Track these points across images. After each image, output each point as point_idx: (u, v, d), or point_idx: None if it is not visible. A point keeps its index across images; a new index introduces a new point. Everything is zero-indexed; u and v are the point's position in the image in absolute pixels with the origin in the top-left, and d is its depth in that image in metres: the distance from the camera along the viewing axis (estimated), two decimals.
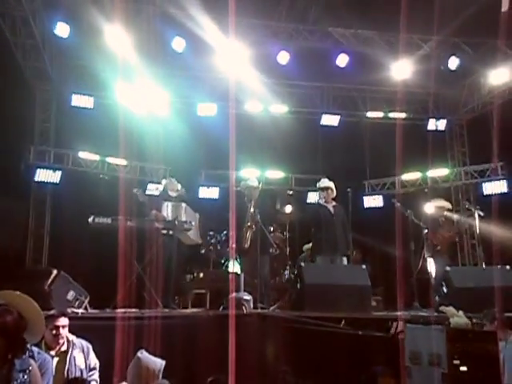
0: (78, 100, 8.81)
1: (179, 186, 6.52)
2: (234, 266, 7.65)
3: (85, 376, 3.52)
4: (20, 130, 8.48)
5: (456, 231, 6.71)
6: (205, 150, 9.82)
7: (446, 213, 6.80)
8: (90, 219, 5.74)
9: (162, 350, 3.41)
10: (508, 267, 5.64)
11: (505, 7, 6.30)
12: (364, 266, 5.53)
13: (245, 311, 5.26)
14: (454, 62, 8.11)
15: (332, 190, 6.50)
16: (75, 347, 3.69)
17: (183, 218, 6.21)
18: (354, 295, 5.00)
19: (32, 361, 2.53)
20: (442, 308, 4.60)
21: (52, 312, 3.64)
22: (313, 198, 9.78)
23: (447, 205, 7.00)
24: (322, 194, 6.56)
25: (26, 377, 2.37)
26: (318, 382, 3.11)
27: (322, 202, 6.52)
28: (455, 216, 7.09)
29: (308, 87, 9.84)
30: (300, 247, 8.63)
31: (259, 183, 6.75)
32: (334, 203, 6.47)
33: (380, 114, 10.06)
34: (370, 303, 5.29)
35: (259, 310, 5.65)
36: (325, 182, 6.66)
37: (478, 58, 8.20)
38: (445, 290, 5.41)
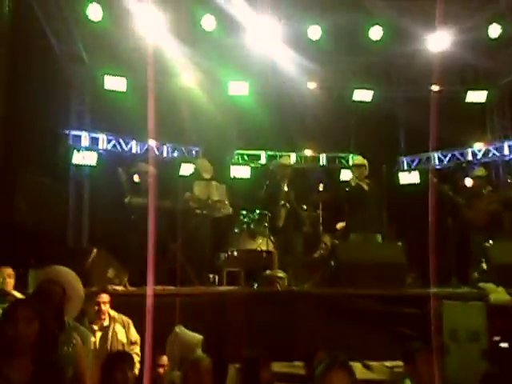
0: (111, 82, 8.90)
1: (210, 167, 6.55)
2: (269, 245, 7.70)
3: (126, 350, 3.65)
4: (57, 113, 8.69)
5: (496, 204, 6.50)
6: (237, 129, 9.82)
7: (485, 184, 6.63)
8: (127, 199, 5.88)
9: (199, 326, 3.49)
10: None
11: None
12: (399, 243, 5.47)
13: (279, 288, 5.32)
14: (495, 30, 7.71)
15: (365, 167, 6.42)
16: (116, 322, 3.83)
17: (215, 197, 6.26)
18: (389, 272, 4.95)
19: (76, 334, 2.64)
20: (482, 284, 4.51)
21: (94, 289, 3.78)
22: (346, 175, 9.65)
23: (484, 174, 6.82)
24: (355, 171, 6.49)
25: (70, 349, 2.48)
26: (353, 357, 3.11)
27: (355, 179, 6.44)
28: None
29: (340, 62, 9.59)
30: (334, 225, 8.57)
31: (291, 162, 6.73)
32: (367, 181, 6.38)
33: (415, 88, 9.73)
34: (406, 280, 5.23)
35: (293, 288, 5.70)
36: (358, 160, 6.58)
37: None
38: (484, 266, 5.28)
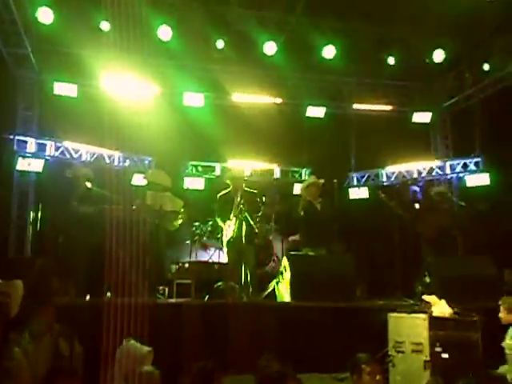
0: (61, 88, 8.64)
1: (163, 176, 6.47)
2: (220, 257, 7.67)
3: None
4: (2, 118, 8.32)
5: (447, 220, 6.80)
6: (191, 140, 9.77)
7: (444, 201, 6.92)
8: (74, 207, 5.69)
9: (149, 338, 3.41)
10: (486, 257, 5.76)
11: None
12: (348, 256, 5.61)
13: (231, 300, 5.30)
14: (439, 55, 8.18)
15: (318, 187, 6.57)
16: (59, 335, 3.67)
17: (168, 208, 6.18)
18: (339, 284, 5.05)
19: (16, 348, 2.51)
20: (425, 297, 4.68)
21: (37, 300, 3.61)
22: (298, 189, 9.80)
23: (444, 191, 7.15)
24: (309, 190, 6.66)
25: (10, 364, 2.35)
26: (302, 369, 3.14)
27: (309, 198, 6.59)
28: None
29: (294, 78, 9.82)
30: (286, 237, 8.67)
31: (245, 174, 6.77)
32: (319, 199, 6.57)
33: (366, 106, 10.11)
34: (355, 292, 5.36)
35: (245, 300, 5.69)
36: (311, 179, 6.78)
37: (463, 51, 8.30)
38: (427, 279, 5.50)
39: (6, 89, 8.42)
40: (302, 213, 6.44)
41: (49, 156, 8.72)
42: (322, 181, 6.67)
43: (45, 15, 7.37)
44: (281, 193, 9.59)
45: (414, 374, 4.15)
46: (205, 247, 8.25)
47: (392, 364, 4.23)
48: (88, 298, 5.10)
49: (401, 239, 6.63)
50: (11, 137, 8.42)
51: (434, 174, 10.05)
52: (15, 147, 8.43)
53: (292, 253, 5.92)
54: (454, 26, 7.80)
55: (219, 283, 6.29)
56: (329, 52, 8.27)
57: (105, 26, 7.60)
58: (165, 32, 7.83)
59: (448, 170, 9.92)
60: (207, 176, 9.85)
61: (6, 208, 8.33)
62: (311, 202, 6.53)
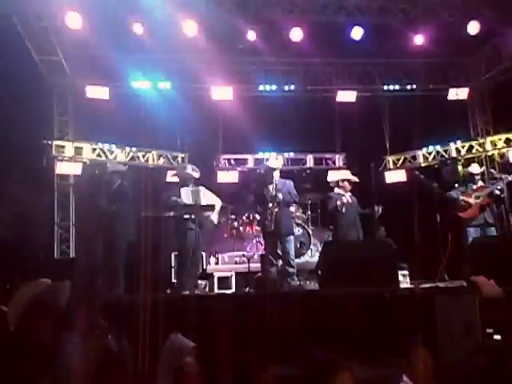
0: (93, 91, 8.82)
1: (191, 170, 6.48)
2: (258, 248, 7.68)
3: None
4: (40, 124, 8.59)
5: (485, 198, 6.64)
6: (222, 134, 9.81)
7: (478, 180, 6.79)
8: (114, 207, 5.81)
9: (193, 332, 3.44)
10: None
11: None
12: (389, 240, 5.49)
13: (271, 291, 5.29)
14: (473, 27, 7.79)
15: (349, 181, 6.77)
16: (107, 331, 3.76)
17: (203, 202, 6.21)
18: (380, 269, 4.95)
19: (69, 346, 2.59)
20: (473, 277, 4.52)
21: (84, 299, 3.71)
22: (333, 176, 9.68)
23: (479, 171, 7.00)
24: (340, 184, 6.80)
25: (67, 361, 2.42)
26: (350, 356, 3.09)
27: (340, 191, 6.77)
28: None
29: (322, 64, 9.66)
30: (322, 226, 8.60)
31: (279, 164, 6.76)
32: (349, 193, 6.76)
33: (397, 87, 9.83)
34: (397, 276, 5.24)
35: (285, 289, 5.68)
36: (343, 175, 6.83)
37: (498, 21, 7.89)
38: (474, 259, 5.31)
39: (42, 96, 8.67)
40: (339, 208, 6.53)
41: (86, 158, 8.95)
42: (355, 179, 6.79)
43: (73, 20, 7.50)
44: (315, 180, 9.50)
45: (465, 357, 4.03)
46: (242, 239, 8.28)
47: (441, 347, 4.11)
48: (132, 294, 5.21)
49: (442, 220, 6.44)
50: (49, 142, 8.69)
51: (473, 151, 9.69)
52: (53, 152, 8.70)
53: (329, 240, 5.87)
54: None
55: (259, 274, 6.30)
56: (356, 33, 8.04)
57: (136, 27, 7.70)
58: (190, 27, 7.83)
59: (489, 147, 9.53)
60: (240, 169, 9.86)
61: (50, 212, 8.62)
62: (340, 195, 6.61)
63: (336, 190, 6.84)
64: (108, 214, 5.88)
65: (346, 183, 6.79)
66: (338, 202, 6.54)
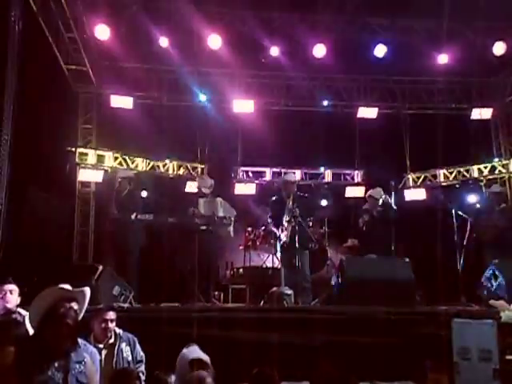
0: (117, 101, 8.98)
1: (210, 182, 6.53)
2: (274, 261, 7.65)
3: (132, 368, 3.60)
4: (64, 132, 8.78)
5: (507, 220, 6.49)
6: (241, 146, 9.87)
7: (501, 201, 6.69)
8: (133, 216, 5.88)
9: (206, 344, 3.44)
10: None
11: None
12: (407, 259, 5.42)
13: (286, 305, 5.26)
14: (499, 48, 7.74)
15: (377, 199, 6.64)
16: (122, 340, 3.79)
17: (220, 213, 6.24)
18: (398, 289, 4.89)
19: (85, 353, 2.61)
20: (492, 302, 4.44)
21: (101, 306, 3.75)
22: (350, 192, 9.66)
23: (501, 190, 6.89)
24: (370, 201, 6.73)
25: (82, 367, 2.45)
26: (366, 378, 3.06)
27: (367, 206, 6.72)
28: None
29: (345, 80, 9.69)
30: (340, 241, 8.53)
31: (296, 178, 6.76)
32: (378, 208, 6.61)
33: (420, 105, 9.78)
34: (415, 297, 5.17)
35: (300, 305, 5.64)
36: (373, 193, 6.74)
37: None
38: (493, 283, 5.21)
39: (68, 104, 8.88)
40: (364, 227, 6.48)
41: (107, 166, 9.10)
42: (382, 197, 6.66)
43: (101, 32, 7.69)
44: (333, 196, 9.47)
45: (482, 383, 3.95)
46: (258, 252, 8.27)
47: (457, 372, 4.04)
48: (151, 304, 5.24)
49: (461, 241, 6.33)
50: (73, 149, 8.87)
51: (496, 172, 9.54)
52: (77, 159, 8.87)
53: (347, 256, 5.83)
54: None
55: (274, 288, 6.27)
56: (379, 51, 8.06)
57: (162, 41, 7.87)
58: (214, 41, 7.96)
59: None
60: (258, 181, 9.89)
61: (71, 217, 8.76)
62: (369, 210, 6.52)
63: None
64: (119, 222, 5.96)
65: (377, 201, 6.67)
66: (360, 222, 6.49)
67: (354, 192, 9.60)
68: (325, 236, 8.54)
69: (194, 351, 3.06)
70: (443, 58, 8.24)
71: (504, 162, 9.52)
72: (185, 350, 3.10)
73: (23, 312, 3.73)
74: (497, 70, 9.25)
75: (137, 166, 9.36)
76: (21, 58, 6.22)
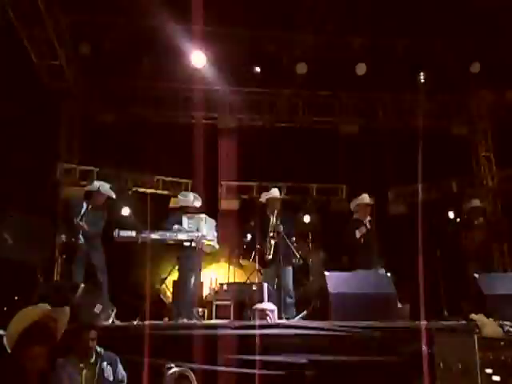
0: (101, 117, 8.97)
1: (193, 199, 6.53)
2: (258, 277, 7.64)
3: None
4: (46, 148, 8.70)
5: (486, 235, 6.60)
6: (225, 161, 9.88)
7: (479, 215, 6.75)
8: (115, 233, 5.84)
9: (190, 361, 3.42)
10: None
11: None
12: (388, 274, 5.48)
13: (269, 322, 5.25)
14: (475, 67, 8.00)
15: (370, 206, 6.66)
16: (103, 359, 3.74)
17: (204, 230, 6.23)
18: (380, 303, 4.93)
19: (63, 372, 2.58)
20: (472, 316, 4.49)
21: (82, 324, 3.70)
22: (335, 207, 9.74)
23: (479, 205, 6.96)
24: (361, 209, 6.60)
25: None
26: None
27: (357, 216, 6.63)
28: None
29: (326, 96, 9.85)
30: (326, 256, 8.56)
31: (280, 194, 6.79)
32: (369, 218, 6.58)
33: (400, 121, 9.98)
34: (396, 312, 5.20)
35: (284, 321, 5.63)
36: (365, 199, 6.73)
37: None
38: (474, 297, 5.28)
39: (50, 120, 8.82)
40: (361, 239, 6.40)
41: (90, 183, 9.00)
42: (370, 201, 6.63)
43: (84, 48, 7.71)
44: (317, 211, 9.52)
45: None
46: (241, 268, 8.26)
47: None
48: (134, 322, 5.18)
49: (443, 256, 6.42)
50: (56, 166, 8.79)
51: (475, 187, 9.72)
52: (58, 175, 8.78)
53: (328, 271, 5.82)
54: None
55: (258, 304, 6.25)
56: (360, 69, 8.23)
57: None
58: (198, 58, 8.03)
59: (490, 183, 9.58)
60: (243, 197, 9.90)
61: (51, 235, 8.63)
62: (360, 221, 6.46)
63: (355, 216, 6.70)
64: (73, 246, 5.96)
65: (367, 208, 6.64)
66: (358, 233, 6.40)
67: (338, 206, 9.69)
68: (309, 251, 8.57)
69: (179, 368, 3.04)
70: (422, 76, 8.44)
71: (483, 177, 9.72)
72: (167, 369, 3.08)
73: (1, 332, 3.66)
74: (474, 88, 9.50)
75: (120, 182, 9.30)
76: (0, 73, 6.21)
